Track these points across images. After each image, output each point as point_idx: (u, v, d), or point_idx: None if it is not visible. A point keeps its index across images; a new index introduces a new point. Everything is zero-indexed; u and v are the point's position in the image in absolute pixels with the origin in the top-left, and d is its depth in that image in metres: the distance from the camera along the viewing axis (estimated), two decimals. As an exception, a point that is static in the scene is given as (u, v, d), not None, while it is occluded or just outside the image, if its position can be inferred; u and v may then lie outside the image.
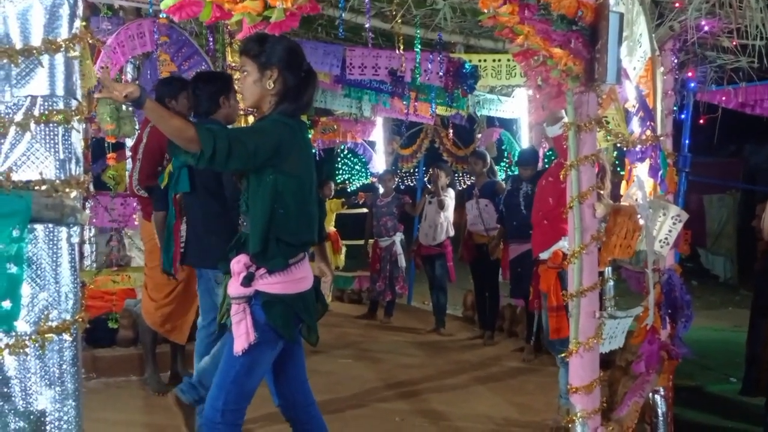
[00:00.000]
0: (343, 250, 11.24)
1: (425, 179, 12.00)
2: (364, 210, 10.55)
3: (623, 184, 4.82)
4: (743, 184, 17.39)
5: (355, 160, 17.11)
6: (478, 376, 6.93)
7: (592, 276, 3.48)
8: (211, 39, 6.92)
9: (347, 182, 11.50)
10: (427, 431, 5.33)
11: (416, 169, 12.45)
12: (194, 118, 4.58)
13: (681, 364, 5.32)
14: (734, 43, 5.25)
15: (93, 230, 7.03)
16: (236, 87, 5.28)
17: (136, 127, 5.91)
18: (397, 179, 10.81)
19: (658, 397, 4.85)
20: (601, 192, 4.20)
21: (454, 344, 8.51)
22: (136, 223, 6.46)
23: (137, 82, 7.06)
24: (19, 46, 2.12)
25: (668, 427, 4.95)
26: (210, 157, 3.02)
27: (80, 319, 2.25)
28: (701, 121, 6.57)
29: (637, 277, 6.78)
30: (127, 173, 6.76)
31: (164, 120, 2.99)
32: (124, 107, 5.23)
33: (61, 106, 2.17)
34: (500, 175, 9.55)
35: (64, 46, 2.15)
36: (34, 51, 2.11)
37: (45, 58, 2.14)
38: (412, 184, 18.45)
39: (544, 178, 5.58)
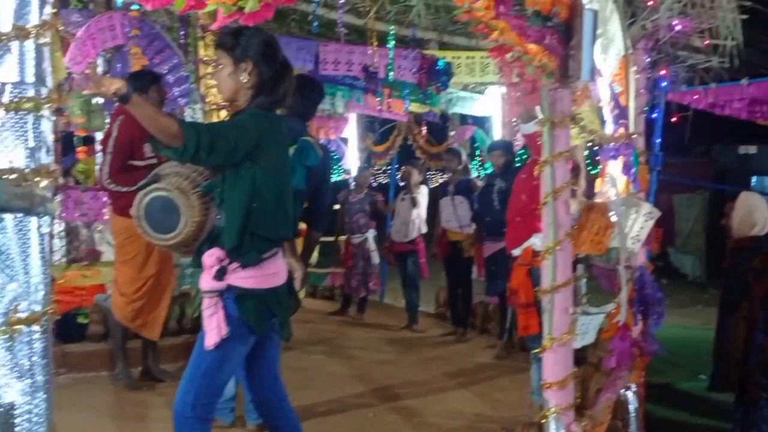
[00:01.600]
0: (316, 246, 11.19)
1: (398, 176, 12.01)
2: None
3: (598, 181, 4.84)
4: (712, 184, 17.57)
5: (327, 156, 17.11)
6: (450, 373, 6.93)
7: (566, 272, 3.49)
8: (183, 32, 6.87)
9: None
10: (400, 427, 5.33)
11: (389, 166, 12.45)
12: (292, 118, 4.49)
13: (652, 361, 5.36)
14: (706, 42, 5.29)
15: (63, 225, 6.94)
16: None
17: (106, 120, 5.85)
18: (370, 176, 10.78)
19: (629, 394, 4.87)
20: (576, 189, 4.21)
21: (427, 341, 8.51)
22: (106, 217, 6.39)
23: (107, 75, 6.98)
24: (-12, 32, 2.08)
25: (640, 423, 4.97)
26: (194, 152, 2.99)
27: (51, 311, 2.21)
28: (673, 120, 6.62)
29: (608, 274, 6.82)
30: (97, 167, 6.68)
31: (149, 116, 2.95)
32: (93, 101, 5.18)
33: (31, 93, 2.13)
34: (473, 173, 9.58)
35: (34, 32, 2.11)
36: (3, 37, 2.07)
37: (14, 45, 2.10)
38: (384, 182, 18.43)
39: (519, 175, 5.59)
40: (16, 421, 2.16)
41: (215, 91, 6.22)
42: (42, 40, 2.16)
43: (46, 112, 2.18)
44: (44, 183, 2.14)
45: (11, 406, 2.15)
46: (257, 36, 3.30)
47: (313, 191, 4.56)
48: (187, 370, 3.31)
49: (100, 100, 6.15)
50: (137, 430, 5.00)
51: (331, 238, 10.83)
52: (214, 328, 3.20)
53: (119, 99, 2.84)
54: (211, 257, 3.24)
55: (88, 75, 2.85)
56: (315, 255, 10.76)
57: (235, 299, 3.24)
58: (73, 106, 5.64)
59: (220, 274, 3.21)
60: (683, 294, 14.36)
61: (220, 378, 3.31)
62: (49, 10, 2.23)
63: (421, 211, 9.11)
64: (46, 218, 2.19)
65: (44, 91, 2.18)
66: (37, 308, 2.18)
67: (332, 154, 13.02)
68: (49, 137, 2.19)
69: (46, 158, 2.18)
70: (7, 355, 2.13)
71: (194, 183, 4.63)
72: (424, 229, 9.22)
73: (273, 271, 3.33)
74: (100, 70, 7.09)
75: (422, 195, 9.10)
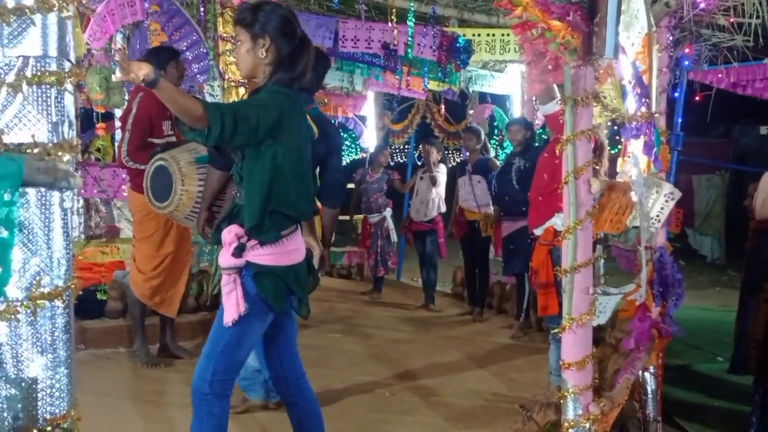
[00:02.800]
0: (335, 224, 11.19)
1: (416, 155, 11.97)
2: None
3: (619, 160, 4.80)
4: (733, 165, 17.44)
5: (345, 135, 17.05)
6: (467, 352, 6.94)
7: (586, 252, 3.47)
8: (202, 9, 6.85)
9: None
10: (417, 406, 5.34)
11: (407, 145, 12.42)
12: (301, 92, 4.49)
13: (670, 343, 5.35)
14: (730, 20, 5.23)
15: (81, 201, 6.97)
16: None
17: (126, 97, 5.85)
18: (388, 155, 10.77)
19: (648, 375, 4.87)
20: (598, 168, 4.19)
21: (444, 320, 8.53)
22: (125, 194, 6.41)
23: (126, 51, 6.98)
24: (11, 5, 2.07)
25: (657, 404, 4.97)
26: (218, 135, 2.99)
27: (72, 286, 2.22)
28: (697, 99, 6.56)
29: (627, 255, 6.81)
30: (116, 144, 6.70)
31: (175, 99, 2.94)
32: (113, 77, 5.18)
33: (54, 67, 2.12)
34: (492, 152, 9.54)
35: (57, 5, 2.10)
36: (27, 10, 2.06)
37: (38, 18, 2.09)
38: (402, 160, 18.39)
39: (541, 154, 5.56)
40: (39, 395, 2.17)
41: (234, 68, 6.23)
42: (65, 14, 2.15)
43: (69, 86, 2.17)
44: (67, 157, 2.14)
45: (34, 381, 2.16)
46: (275, 11, 3.29)
47: (319, 167, 4.52)
48: (206, 347, 3.32)
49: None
50: (155, 406, 5.03)
51: (347, 217, 10.85)
52: (232, 305, 3.20)
53: (147, 84, 2.84)
54: (230, 234, 3.24)
55: (118, 57, 2.86)
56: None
57: (254, 276, 3.24)
58: (92, 83, 5.60)
59: (239, 251, 3.21)
60: (702, 275, 14.33)
61: (238, 355, 3.32)
62: (71, -17, 2.22)
63: (440, 190, 9.09)
64: (69, 193, 2.20)
65: (67, 65, 2.17)
66: (60, 283, 2.19)
67: (350, 132, 13.02)
68: (72, 111, 2.19)
69: (69, 132, 2.18)
70: (29, 329, 2.14)
71: (194, 153, 4.73)
72: (444, 208, 9.21)
73: (292, 248, 3.33)
74: (118, 46, 7.11)
75: (441, 174, 9.08)
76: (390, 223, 9.70)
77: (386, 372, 6.17)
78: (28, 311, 2.12)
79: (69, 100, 2.18)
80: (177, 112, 2.97)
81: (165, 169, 4.71)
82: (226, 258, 3.25)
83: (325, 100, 11.50)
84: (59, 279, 2.19)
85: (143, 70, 2.82)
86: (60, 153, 2.11)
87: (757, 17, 5.03)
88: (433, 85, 9.71)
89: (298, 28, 3.34)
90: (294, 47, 3.30)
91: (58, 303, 2.19)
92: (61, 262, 2.19)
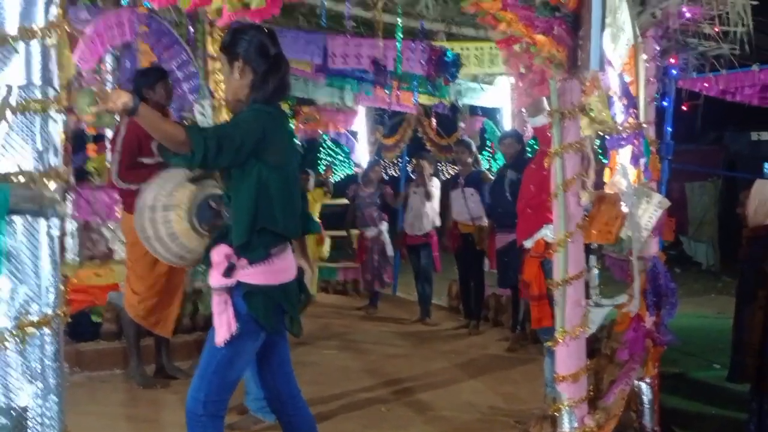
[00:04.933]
0: (327, 241, 11.19)
1: (408, 169, 11.97)
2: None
3: (606, 171, 4.81)
4: (724, 171, 17.47)
5: (337, 150, 17.07)
6: (463, 366, 6.93)
7: (577, 264, 3.48)
8: (191, 28, 6.86)
9: (330, 171, 11.47)
10: (413, 421, 5.32)
11: (399, 159, 12.42)
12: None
13: (665, 351, 5.34)
14: (716, 29, 5.25)
15: (75, 223, 6.95)
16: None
17: (116, 117, 5.85)
18: (381, 170, 10.78)
19: (643, 385, 4.86)
20: (585, 180, 4.19)
21: (440, 334, 8.52)
22: (118, 215, 6.40)
23: (116, 72, 6.98)
24: (-6, 34, 2.08)
25: (654, 414, 4.96)
26: (202, 158, 3.02)
27: (62, 313, 2.21)
28: (684, 108, 6.58)
29: (620, 265, 6.79)
30: (108, 164, 6.69)
31: (156, 126, 2.99)
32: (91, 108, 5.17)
33: (38, 95, 2.12)
34: (483, 165, 9.56)
35: (40, 33, 2.10)
36: (10, 38, 2.07)
37: (21, 46, 2.09)
38: (395, 174, 18.41)
39: (529, 166, 5.57)
40: (29, 424, 2.16)
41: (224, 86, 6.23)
42: (49, 42, 2.16)
43: (53, 113, 2.17)
44: (53, 185, 2.14)
45: (24, 410, 2.15)
46: (248, 33, 3.35)
47: None
48: (198, 368, 3.32)
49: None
50: (152, 428, 5.02)
51: (343, 233, 10.85)
52: (223, 325, 3.21)
53: (127, 112, 2.86)
54: (219, 254, 3.25)
55: (95, 88, 2.88)
56: (327, 249, 10.82)
57: (244, 296, 3.24)
58: (82, 104, 5.61)
59: (229, 271, 3.22)
60: (697, 282, 14.31)
61: (231, 375, 3.32)
62: (55, 10, 2.22)
63: (434, 204, 9.10)
64: (56, 220, 2.19)
65: (51, 93, 2.17)
66: (48, 311, 2.18)
67: (342, 147, 13.03)
68: (58, 139, 2.18)
69: (54, 160, 2.18)
70: (18, 358, 2.13)
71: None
72: (438, 222, 9.22)
73: (282, 267, 3.34)
74: (108, 67, 7.11)
75: (435, 188, 9.09)
76: (385, 238, 9.71)
77: (382, 387, 6.15)
78: (17, 339, 2.11)
79: (54, 128, 2.18)
80: (159, 138, 2.99)
81: (217, 196, 4.53)
82: (216, 278, 3.26)
83: (317, 116, 11.51)
84: (48, 307, 2.18)
85: (122, 99, 2.84)
86: (46, 181, 2.11)
87: (743, 25, 5.06)
88: (423, 99, 9.72)
89: (272, 48, 3.37)
90: (267, 66, 3.33)
91: (47, 331, 2.18)
92: (49, 289, 2.18)
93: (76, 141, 7.14)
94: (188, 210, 4.07)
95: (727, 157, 19.75)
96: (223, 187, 3.39)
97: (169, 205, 4.09)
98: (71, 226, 6.78)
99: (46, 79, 2.17)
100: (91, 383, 5.99)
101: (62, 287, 2.25)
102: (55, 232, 2.20)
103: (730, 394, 6.48)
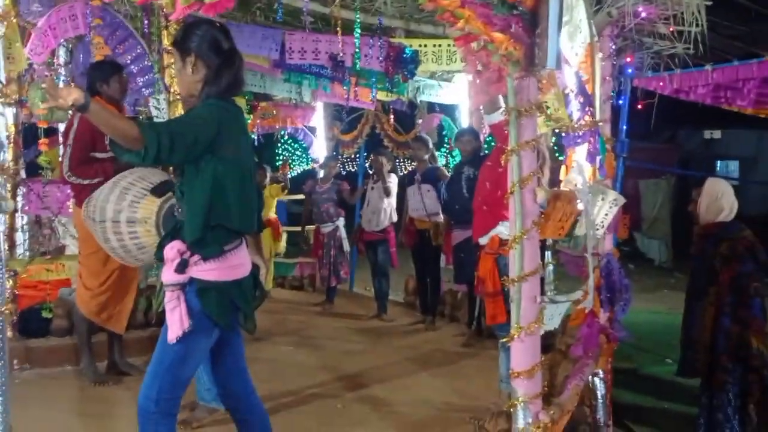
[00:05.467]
0: (284, 236, 11.13)
1: (366, 165, 11.95)
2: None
3: (563, 169, 4.84)
4: (678, 169, 17.71)
5: (295, 145, 16.94)
6: (419, 362, 6.93)
7: (533, 261, 3.48)
8: (146, 22, 6.76)
9: (288, 167, 11.40)
10: (368, 417, 5.32)
11: (357, 155, 12.40)
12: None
13: (619, 346, 5.39)
14: (671, 29, 5.30)
15: (26, 218, 6.82)
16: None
17: (69, 111, 5.73)
18: (338, 165, 10.73)
19: (597, 380, 4.90)
20: (540, 178, 4.20)
21: (396, 330, 8.51)
22: (70, 210, 6.29)
23: (69, 65, 6.87)
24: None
25: (607, 409, 5.00)
26: (155, 155, 2.98)
27: (6, 310, 2.16)
28: (639, 107, 6.65)
29: (575, 261, 6.84)
30: (59, 159, 6.57)
31: (108, 122, 2.95)
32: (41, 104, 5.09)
33: (-18, 88, 2.07)
34: (440, 161, 9.56)
35: (-15, 24, 2.04)
36: (-47, 29, 2.01)
37: (-35, 38, 2.04)
38: (353, 170, 18.36)
39: (485, 163, 5.58)
40: (-28, 423, 2.10)
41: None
42: (-7, 34, 2.10)
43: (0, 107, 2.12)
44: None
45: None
46: (200, 28, 3.32)
47: None
48: (151, 365, 3.29)
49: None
50: (103, 426, 4.95)
51: (298, 228, 10.79)
52: (176, 322, 3.18)
53: (78, 109, 2.82)
54: (173, 250, 3.21)
55: (45, 85, 2.83)
56: (283, 245, 10.77)
57: (197, 292, 3.21)
58: (34, 97, 5.49)
59: (182, 267, 3.19)
60: (650, 279, 14.49)
61: (184, 372, 3.29)
62: (3, 1, 2.16)
63: (392, 200, 9.09)
64: (1, 216, 2.14)
65: (-4, 86, 2.12)
66: (-7, 307, 2.13)
67: (300, 143, 12.95)
68: (3, 134, 2.13)
69: (0, 156, 2.12)
70: (-39, 356, 2.08)
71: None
72: (395, 218, 9.20)
73: (236, 263, 3.31)
74: (61, 60, 6.99)
75: (393, 184, 9.07)
76: (342, 233, 9.67)
77: (338, 383, 6.14)
78: (-40, 338, 2.05)
79: (1, 122, 2.12)
80: (111, 134, 2.95)
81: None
82: (168, 274, 3.22)
83: (274, 111, 11.43)
84: (-8, 303, 2.13)
85: (72, 95, 2.79)
86: (-9, 175, 2.05)
87: (697, 25, 5.11)
88: (381, 96, 9.70)
89: (225, 43, 3.35)
90: (220, 61, 3.29)
91: (-9, 328, 2.12)
92: (-7, 286, 2.13)
93: (28, 134, 7.01)
94: (156, 224, 4.05)
95: (681, 155, 20.05)
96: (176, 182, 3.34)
97: (134, 219, 4.08)
98: (21, 220, 6.66)
99: (-8, 71, 2.11)
100: (41, 380, 5.89)
101: (8, 283, 2.20)
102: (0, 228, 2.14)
103: (681, 389, 6.58)
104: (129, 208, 4.15)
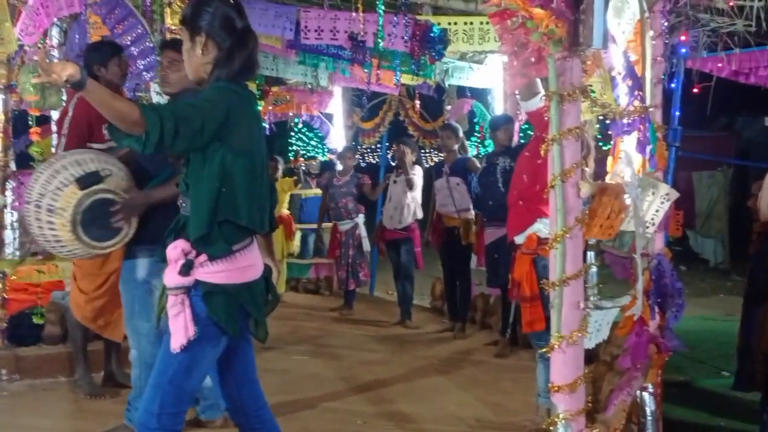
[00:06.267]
0: (298, 234, 11.15)
1: (389, 156, 11.95)
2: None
3: (609, 160, 4.79)
4: (736, 160, 17.57)
5: (310, 134, 17.00)
6: (447, 373, 6.93)
7: (576, 262, 3.44)
8: (147, -1, 6.79)
9: (301, 159, 11.43)
10: (392, 435, 5.32)
11: (379, 145, 12.40)
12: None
13: (670, 358, 5.34)
14: (730, 4, 5.25)
15: (16, 214, 6.86)
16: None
17: (63, 98, 5.77)
18: (357, 156, 10.74)
19: (646, 395, 4.85)
20: (584, 170, 4.17)
21: (422, 338, 8.52)
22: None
23: (63, 47, 6.90)
24: None
25: (657, 427, 4.96)
26: (157, 141, 2.96)
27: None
28: (695, 91, 6.59)
29: (622, 262, 6.79)
30: (53, 149, 6.60)
31: (106, 102, 2.93)
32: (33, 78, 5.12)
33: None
34: (471, 152, 9.53)
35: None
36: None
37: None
38: (374, 162, 18.37)
39: (521, 154, 5.55)
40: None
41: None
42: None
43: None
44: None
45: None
46: (211, 5, 3.29)
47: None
48: (152, 377, 3.28)
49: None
50: (99, 442, 4.97)
51: (314, 226, 10.81)
52: (180, 329, 3.16)
53: (73, 86, 2.81)
54: (176, 250, 3.20)
55: (37, 57, 2.82)
56: (296, 245, 10.79)
57: (204, 296, 3.20)
58: (25, 83, 5.53)
59: (186, 269, 3.17)
60: (704, 282, 14.41)
61: (188, 385, 3.28)
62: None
63: (416, 194, 9.08)
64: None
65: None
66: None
67: (316, 132, 12.98)
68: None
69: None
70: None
71: (129, 181, 4.48)
72: (420, 215, 9.19)
73: (246, 264, 3.29)
74: (55, 41, 7.02)
75: (417, 176, 9.06)
76: (362, 231, 9.67)
77: (358, 397, 6.14)
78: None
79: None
80: (110, 116, 2.93)
81: (110, 202, 4.46)
82: (172, 276, 3.21)
83: (287, 96, 11.45)
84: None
85: (67, 71, 2.78)
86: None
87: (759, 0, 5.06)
88: (406, 79, 9.70)
89: (239, 21, 3.33)
90: (233, 42, 3.28)
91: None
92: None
93: (18, 123, 7.05)
94: (71, 220, 4.02)
95: (739, 145, 19.87)
96: (180, 174, 3.32)
97: (53, 208, 4.07)
98: (11, 217, 6.69)
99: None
100: (32, 392, 5.93)
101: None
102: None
103: (739, 404, 6.52)
104: (51, 195, 4.12)
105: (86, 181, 4.17)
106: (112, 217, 4.29)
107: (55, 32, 6.97)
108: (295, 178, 10.53)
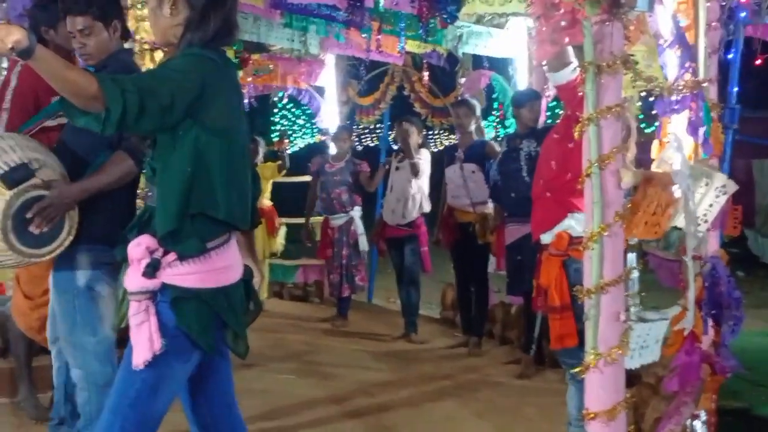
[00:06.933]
0: (282, 231, 11.13)
1: (390, 138, 11.95)
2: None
3: (655, 144, 4.80)
4: (805, 146, 17.56)
5: (297, 112, 17.05)
6: (460, 397, 6.95)
7: (616, 266, 3.46)
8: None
9: (286, 140, 11.44)
10: (395, 470, 5.35)
11: (379, 125, 12.42)
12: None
13: (726, 381, 5.36)
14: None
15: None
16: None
17: (3, 65, 5.76)
18: (354, 138, 10.75)
19: (698, 424, 4.86)
20: (626, 156, 4.18)
21: (430, 355, 8.55)
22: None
23: (3, 5, 6.89)
24: None
25: (711, 461, 4.98)
26: (120, 119, 2.94)
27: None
28: (757, 63, 6.59)
29: (669, 266, 6.81)
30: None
31: (59, 74, 2.89)
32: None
33: None
34: (489, 134, 9.53)
35: None
36: None
37: None
38: (373, 145, 18.40)
39: (549, 136, 5.55)
40: None
41: (148, 25, 6.16)
42: None
43: None
44: None
45: None
46: None
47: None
48: (110, 399, 3.29)
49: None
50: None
51: (302, 220, 10.81)
52: (144, 342, 3.16)
53: (19, 54, 2.78)
54: (139, 247, 3.20)
55: None
56: (281, 243, 10.79)
57: (172, 302, 3.20)
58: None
59: (152, 270, 3.17)
60: (765, 290, 14.42)
61: (154, 408, 3.28)
62: None
63: (422, 183, 9.06)
64: None
65: None
66: None
67: (304, 108, 13.00)
68: None
69: None
70: None
71: (62, 170, 4.39)
72: (427, 208, 9.19)
73: (222, 265, 3.30)
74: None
75: (424, 161, 9.05)
76: (359, 227, 9.66)
77: (353, 425, 6.16)
78: None
79: None
80: (63, 90, 2.91)
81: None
82: (134, 279, 3.21)
83: (270, 66, 11.45)
84: None
85: (12, 36, 2.76)
86: None
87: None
88: (412, 47, 9.71)
89: None
90: (207, 1, 3.27)
91: None
92: None
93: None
94: (1, 227, 3.89)
95: (808, 128, 19.86)
96: (147, 157, 3.32)
97: None
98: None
99: None
100: (-33, 416, 5.95)
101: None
102: None
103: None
104: None
105: (13, 176, 3.98)
106: (38, 217, 4.12)
107: (-8, -9, 6.97)
108: (280, 163, 10.47)
